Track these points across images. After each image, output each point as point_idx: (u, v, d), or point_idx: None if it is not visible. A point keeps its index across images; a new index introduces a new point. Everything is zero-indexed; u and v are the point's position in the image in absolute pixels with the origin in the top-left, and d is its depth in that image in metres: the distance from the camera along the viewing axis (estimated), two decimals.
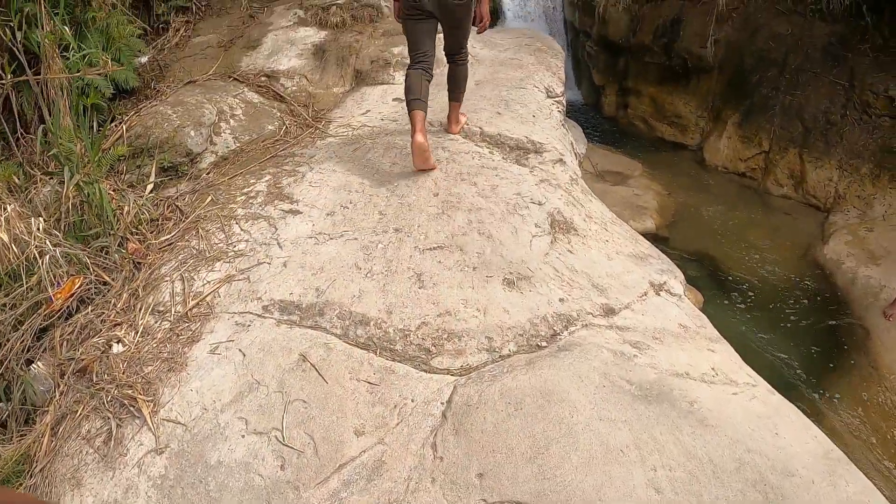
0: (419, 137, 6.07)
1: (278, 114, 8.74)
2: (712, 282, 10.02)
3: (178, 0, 11.52)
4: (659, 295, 5.87)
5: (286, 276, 5.58)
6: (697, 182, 12.84)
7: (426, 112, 6.24)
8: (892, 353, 8.36)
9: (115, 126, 8.04)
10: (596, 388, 4.41)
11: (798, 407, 4.88)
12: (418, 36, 6.35)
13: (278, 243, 5.98)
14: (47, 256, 5.51)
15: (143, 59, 9.75)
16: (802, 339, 8.97)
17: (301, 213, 6.34)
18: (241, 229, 6.29)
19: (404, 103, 6.30)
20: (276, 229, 6.16)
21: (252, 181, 7.12)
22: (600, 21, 15.40)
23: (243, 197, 6.85)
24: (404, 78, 6.39)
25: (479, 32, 6.71)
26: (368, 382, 4.59)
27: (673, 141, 14.24)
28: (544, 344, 4.92)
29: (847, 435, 7.42)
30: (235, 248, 6.04)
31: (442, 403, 4.34)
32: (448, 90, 6.99)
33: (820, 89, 12.29)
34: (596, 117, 15.88)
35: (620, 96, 15.57)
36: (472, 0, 6.09)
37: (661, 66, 14.49)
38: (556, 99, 8.84)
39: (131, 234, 6.50)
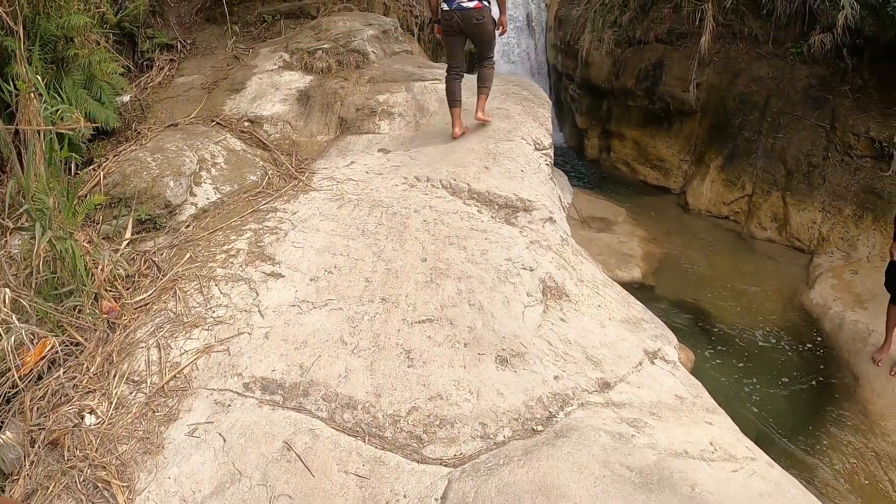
0: (457, 130, 8.36)
1: (261, 163, 8.42)
2: (700, 332, 9.74)
3: (163, 38, 11.22)
4: (654, 363, 5.60)
5: (268, 349, 5.23)
6: (681, 227, 12.61)
7: (461, 108, 8.26)
8: (882, 399, 8.14)
9: (93, 171, 7.66)
10: (596, 479, 4.11)
11: (792, 459, 4.58)
12: (453, 48, 8.07)
13: (259, 311, 5.64)
14: (12, 337, 5.11)
15: (126, 98, 9.39)
16: (792, 387, 8.73)
17: (283, 276, 6.01)
18: (221, 292, 5.94)
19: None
20: (258, 294, 5.82)
21: (233, 237, 6.78)
22: (583, 65, 15.21)
23: (223, 255, 6.50)
24: (445, 83, 8.23)
25: (500, 35, 8.13)
26: (357, 475, 4.24)
27: (656, 184, 14.02)
28: (540, 428, 4.61)
29: (842, 486, 7.19)
30: (215, 314, 5.69)
31: (436, 500, 4.00)
32: (477, 86, 8.28)
33: (801, 132, 12.14)
34: (579, 160, 15.67)
35: (603, 139, 15.36)
36: (488, 20, 7.64)
37: (643, 109, 14.30)
38: (544, 151, 8.58)
39: (106, 290, 6.11)
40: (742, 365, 9.01)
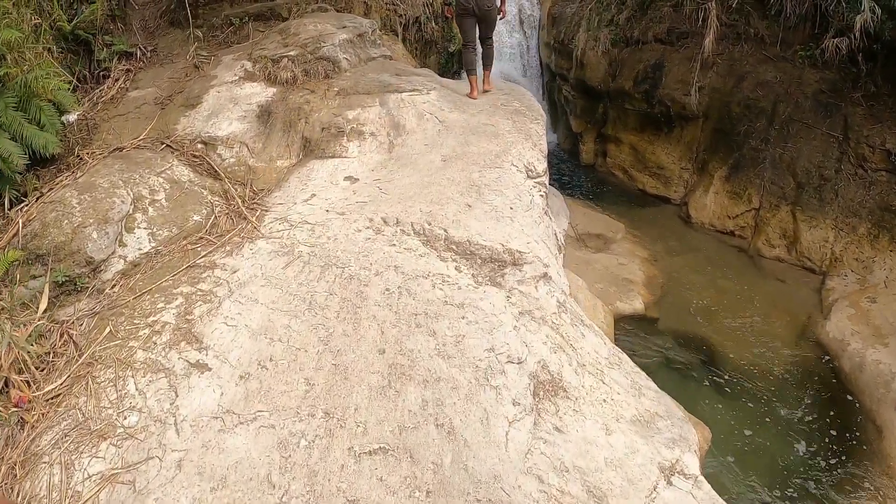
0: (475, 94, 8.90)
1: (209, 197, 6.96)
2: (706, 371, 8.43)
3: (122, 45, 9.70)
4: (671, 484, 4.17)
5: (179, 487, 3.84)
6: (684, 244, 11.16)
7: (476, 76, 8.97)
8: None
9: (18, 212, 6.30)
10: None
11: None
12: (467, 28, 8.76)
13: (176, 423, 4.23)
14: None
15: (72, 118, 8.05)
16: (809, 440, 7.46)
17: (210, 369, 4.59)
18: (137, 388, 4.56)
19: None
20: (177, 395, 4.42)
21: (160, 305, 5.36)
22: (578, 65, 13.65)
23: (147, 330, 5.12)
24: (463, 55, 9.17)
25: (501, 19, 9.02)
26: None
27: (655, 194, 12.54)
28: None
29: None
30: (126, 422, 4.33)
31: None
32: (483, 64, 9.14)
33: (812, 141, 10.75)
34: (573, 165, 14.13)
35: (599, 144, 13.84)
36: (494, 6, 8.64)
37: (642, 113, 12.80)
38: (538, 179, 7.10)
39: (18, 372, 4.82)
40: (752, 412, 7.81)
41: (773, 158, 11.12)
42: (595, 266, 9.79)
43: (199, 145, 7.81)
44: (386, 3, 11.77)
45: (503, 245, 5.67)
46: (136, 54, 9.95)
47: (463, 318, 4.82)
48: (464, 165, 6.94)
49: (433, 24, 13.57)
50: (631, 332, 8.87)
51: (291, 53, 8.75)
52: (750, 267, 10.78)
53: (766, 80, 11.52)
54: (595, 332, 5.52)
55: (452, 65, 14.57)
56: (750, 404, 7.85)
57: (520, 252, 5.64)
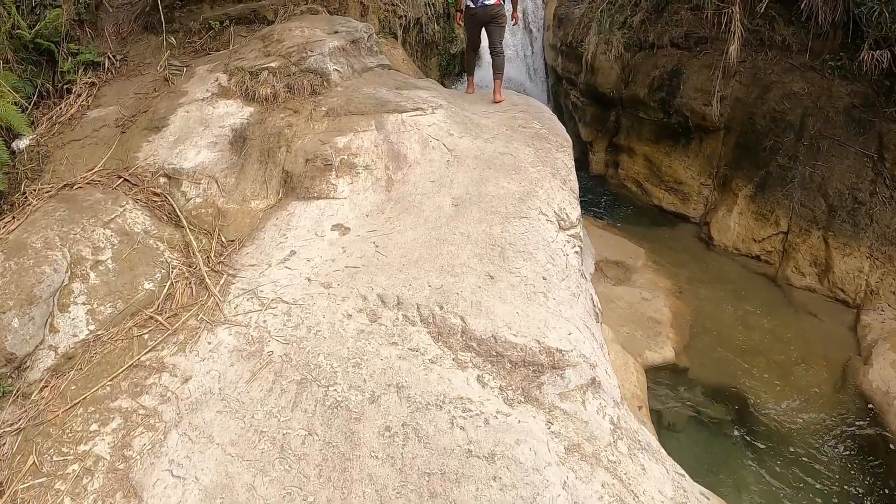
0: (471, 90, 8.48)
1: (166, 254, 5.34)
2: (741, 426, 7.05)
3: (89, 54, 8.02)
4: None
5: None
6: (708, 272, 9.58)
7: (475, 76, 8.64)
8: None
9: None
10: None
11: None
12: (473, 34, 8.22)
13: None
14: None
15: (23, 144, 6.60)
16: None
17: None
18: None
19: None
20: None
21: (94, 427, 3.84)
22: (588, 69, 11.94)
23: (77, 465, 3.64)
24: (465, 55, 8.90)
25: (513, 25, 8.65)
26: None
27: (672, 211, 10.90)
28: None
29: None
30: None
31: None
32: (493, 74, 8.11)
33: (844, 160, 9.22)
34: (582, 175, 12.40)
35: (611, 154, 12.16)
36: (503, 15, 7.96)
37: (657, 122, 11.13)
38: (572, 231, 5.48)
39: None
40: (790, 478, 6.45)
41: (802, 178, 9.59)
42: (618, 304, 8.21)
43: (162, 179, 6.17)
44: (384, 4, 10.04)
45: (539, 341, 4.04)
46: (104, 64, 8.30)
47: (495, 479, 3.18)
48: (481, 214, 5.30)
49: (435, 24, 11.87)
50: (661, 384, 7.46)
51: (273, 65, 7.06)
52: (779, 299, 9.25)
53: (793, 91, 9.95)
54: (656, 456, 3.93)
55: (454, 66, 12.93)
56: (786, 468, 6.55)
57: (560, 350, 4.02)
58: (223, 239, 5.59)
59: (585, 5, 12.34)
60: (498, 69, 8.10)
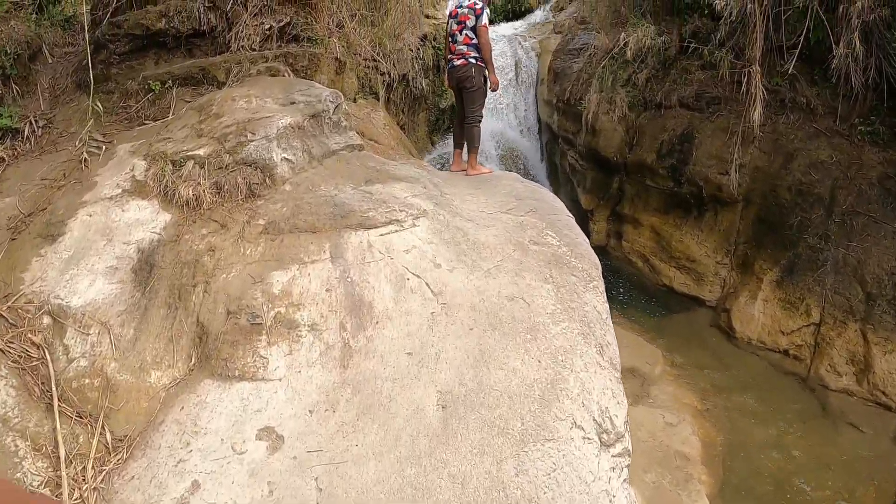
0: (455, 167, 6.29)
1: (25, 463, 2.71)
2: None
3: (7, 119, 5.43)
4: None
5: None
6: (733, 375, 6.96)
7: (462, 150, 6.33)
8: None
9: None
10: None
11: None
12: (456, 99, 6.42)
13: None
14: None
15: None
16: None
17: None
18: None
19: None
20: None
21: None
22: (588, 130, 9.17)
23: None
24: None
25: (493, 91, 6.18)
26: None
27: (685, 293, 8.15)
28: None
29: None
30: None
31: None
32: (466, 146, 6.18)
33: (882, 240, 6.74)
34: None
35: (613, 223, 9.38)
36: (472, 76, 5.90)
37: (666, 192, 8.41)
38: (619, 448, 2.81)
39: None
40: None
41: (834, 261, 6.99)
42: (639, 434, 5.53)
43: (46, 319, 3.50)
44: (364, 60, 7.23)
45: None
46: (24, 131, 5.58)
47: None
48: (482, 433, 2.64)
49: (423, 78, 9.11)
50: None
51: (201, 152, 4.28)
52: (814, 407, 6.60)
53: (819, 159, 7.38)
54: None
55: (444, 121, 10.22)
56: None
57: None
58: (108, 436, 2.86)
59: (584, 60, 9.58)
60: (469, 141, 6.15)
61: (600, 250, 9.06)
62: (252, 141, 4.25)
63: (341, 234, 3.65)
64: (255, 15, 6.69)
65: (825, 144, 7.49)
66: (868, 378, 6.49)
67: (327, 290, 3.38)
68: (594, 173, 9.55)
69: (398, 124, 9.00)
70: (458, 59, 5.96)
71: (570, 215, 4.51)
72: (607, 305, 3.61)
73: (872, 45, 6.90)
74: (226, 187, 4.11)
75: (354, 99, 6.92)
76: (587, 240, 4.23)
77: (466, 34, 5.90)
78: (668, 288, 8.23)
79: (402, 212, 3.83)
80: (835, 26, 7.04)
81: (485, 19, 5.83)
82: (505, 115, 10.70)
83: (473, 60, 5.90)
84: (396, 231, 3.67)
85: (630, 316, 7.59)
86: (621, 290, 8.36)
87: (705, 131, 8.07)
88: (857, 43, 6.73)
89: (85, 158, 5.07)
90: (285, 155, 4.30)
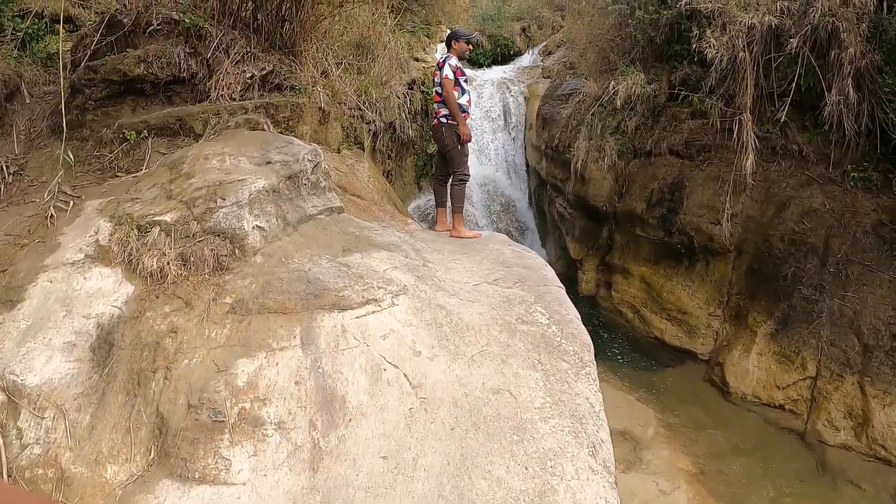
0: (440, 227, 5.69)
1: None
2: None
3: None
4: None
5: None
6: (729, 434, 6.61)
7: (446, 208, 5.79)
8: None
9: None
10: None
11: None
12: (438, 158, 5.98)
13: None
14: None
15: None
16: None
17: None
18: None
19: None
20: None
21: None
22: (577, 178, 8.89)
23: None
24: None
25: (466, 143, 5.53)
26: None
27: (677, 346, 7.81)
28: None
29: None
30: None
31: None
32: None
33: (878, 290, 6.44)
34: (570, 295, 9.22)
35: (602, 272, 9.06)
36: (443, 135, 5.46)
37: (657, 241, 8.10)
38: None
39: None
40: None
41: (830, 312, 6.66)
42: None
43: (0, 397, 3.00)
44: (350, 109, 6.93)
45: None
46: None
47: None
48: None
49: (411, 124, 8.82)
50: None
51: (168, 218, 3.94)
52: (812, 463, 6.25)
53: (812, 208, 7.11)
54: None
55: (432, 166, 9.90)
56: None
57: None
58: None
59: (573, 106, 9.32)
60: (452, 200, 5.68)
61: (589, 300, 8.74)
62: (222, 208, 3.90)
63: (314, 317, 3.30)
64: (236, 63, 6.41)
65: (818, 192, 7.24)
66: (867, 432, 6.19)
67: (296, 383, 3.02)
68: (583, 222, 9.24)
69: (385, 171, 8.69)
70: (434, 118, 5.66)
71: (561, 285, 4.15)
72: (601, 395, 3.25)
73: (864, 91, 6.70)
74: (192, 259, 3.75)
75: (339, 149, 6.61)
76: (578, 315, 3.87)
77: (436, 90, 5.54)
78: (660, 340, 7.89)
79: (381, 289, 3.48)
80: (826, 72, 6.83)
81: (447, 71, 5.39)
82: (493, 161, 10.42)
83: (444, 119, 5.50)
84: (374, 312, 3.32)
85: (621, 372, 7.23)
86: (611, 343, 8.00)
87: (696, 180, 7.81)
88: (851, 90, 6.51)
89: (52, 214, 4.74)
90: (257, 222, 3.95)
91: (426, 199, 9.89)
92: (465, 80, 5.51)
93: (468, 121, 5.52)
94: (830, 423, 6.45)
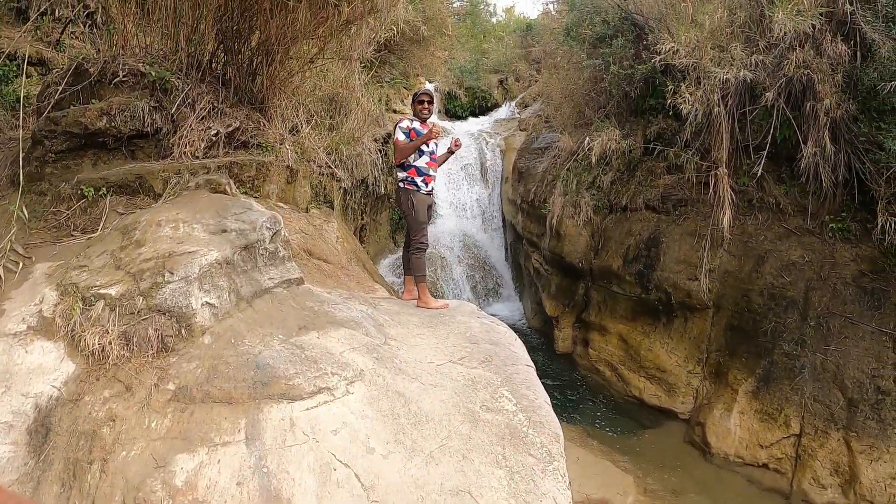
0: (406, 296, 5.24)
1: None
2: None
3: None
4: None
5: None
6: (712, 499, 6.21)
7: (413, 275, 5.13)
8: None
9: None
10: None
11: None
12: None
13: None
14: None
15: None
16: None
17: None
18: None
19: None
20: None
21: None
22: (553, 234, 8.68)
23: None
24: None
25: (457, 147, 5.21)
26: None
27: (656, 405, 7.52)
28: None
29: None
30: None
31: None
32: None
33: (860, 342, 6.29)
34: (546, 352, 8.97)
35: (579, 330, 8.78)
36: (401, 200, 5.14)
37: (633, 298, 7.85)
38: None
39: None
40: None
41: (812, 367, 6.50)
42: None
43: None
44: (320, 167, 6.67)
45: None
46: None
47: None
48: None
49: (385, 176, 8.59)
50: None
51: (113, 292, 3.61)
52: None
53: (791, 260, 6.97)
54: None
55: None
56: None
57: None
58: None
59: (548, 159, 9.15)
60: (413, 269, 5.18)
61: (566, 358, 8.45)
62: (169, 283, 3.59)
63: (261, 408, 2.98)
64: (202, 118, 6.15)
65: (796, 244, 7.08)
66: (854, 489, 6.07)
67: (238, 484, 2.68)
68: (559, 279, 8.99)
69: (359, 227, 8.41)
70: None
71: (531, 364, 3.84)
72: (569, 493, 2.93)
73: (841, 141, 6.57)
74: (135, 339, 3.43)
75: (307, 209, 6.34)
76: (548, 399, 3.55)
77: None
78: (639, 400, 7.59)
79: (336, 375, 3.17)
80: (802, 124, 6.71)
81: (397, 134, 5.05)
82: (469, 214, 10.19)
83: (401, 184, 5.15)
84: (326, 402, 3.00)
85: (599, 436, 6.90)
86: (589, 403, 7.68)
87: (672, 235, 7.61)
88: (827, 141, 6.38)
89: (0, 276, 4.39)
90: (207, 298, 3.64)
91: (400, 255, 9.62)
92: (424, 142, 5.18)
93: (430, 184, 5.19)
94: (817, 481, 6.25)
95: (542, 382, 3.68)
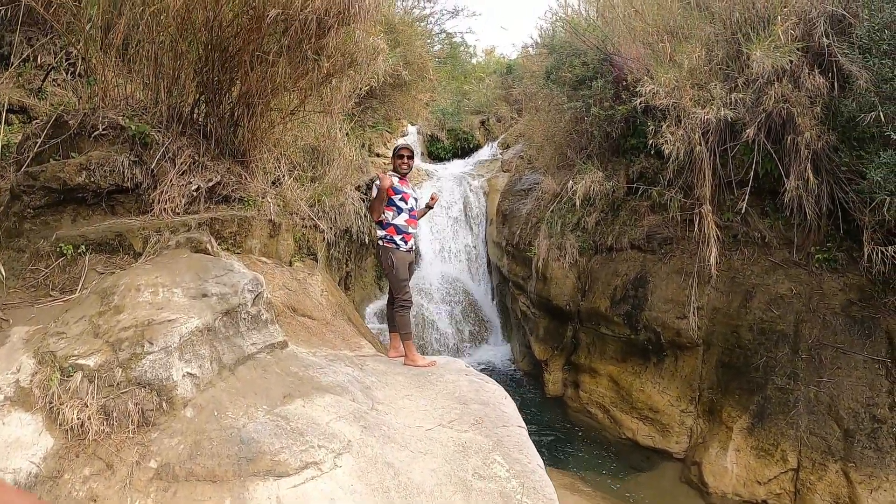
0: (393, 353, 5.11)
1: None
2: None
3: None
4: None
5: None
6: None
7: (399, 332, 5.01)
8: None
9: None
10: None
11: None
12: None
13: None
14: None
15: None
16: None
17: None
18: None
19: None
20: None
21: None
22: (539, 277, 8.58)
23: None
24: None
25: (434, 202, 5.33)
26: None
27: (651, 446, 7.36)
28: None
29: None
30: None
31: None
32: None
33: (853, 371, 6.21)
34: (536, 396, 8.80)
35: (569, 372, 8.64)
36: (381, 257, 5.03)
37: (623, 339, 7.74)
38: None
39: None
40: None
41: (806, 400, 6.39)
42: None
43: None
44: (303, 220, 6.56)
45: None
46: None
47: None
48: None
49: (371, 223, 8.49)
50: None
51: (91, 363, 3.45)
52: None
53: (779, 294, 6.90)
54: None
55: None
56: None
57: None
58: None
59: (532, 201, 9.10)
60: (398, 327, 5.06)
61: (557, 401, 8.29)
62: (149, 354, 3.44)
63: (246, 486, 2.81)
64: (182, 173, 6.03)
65: (783, 277, 7.02)
66: None
67: None
68: (547, 321, 8.87)
69: (344, 274, 8.28)
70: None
71: (522, 425, 3.69)
72: None
73: (822, 172, 6.56)
74: (115, 414, 3.26)
75: (291, 262, 6.21)
76: (541, 462, 3.40)
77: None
78: (632, 441, 7.43)
79: (323, 448, 3.01)
80: (783, 157, 6.70)
81: (373, 189, 5.01)
82: (455, 257, 10.08)
83: (380, 242, 5.10)
84: (314, 478, 2.84)
85: (593, 481, 6.71)
86: (582, 446, 7.51)
87: (659, 274, 7.53)
88: (810, 173, 6.36)
89: None
90: (188, 369, 3.49)
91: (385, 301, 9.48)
92: (401, 199, 5.08)
93: (410, 242, 5.11)
94: None
95: (533, 427, 3.54)
